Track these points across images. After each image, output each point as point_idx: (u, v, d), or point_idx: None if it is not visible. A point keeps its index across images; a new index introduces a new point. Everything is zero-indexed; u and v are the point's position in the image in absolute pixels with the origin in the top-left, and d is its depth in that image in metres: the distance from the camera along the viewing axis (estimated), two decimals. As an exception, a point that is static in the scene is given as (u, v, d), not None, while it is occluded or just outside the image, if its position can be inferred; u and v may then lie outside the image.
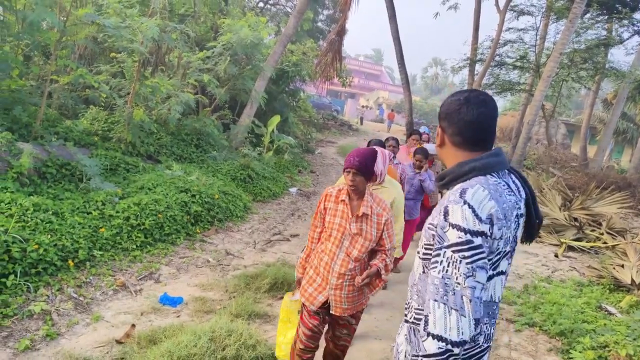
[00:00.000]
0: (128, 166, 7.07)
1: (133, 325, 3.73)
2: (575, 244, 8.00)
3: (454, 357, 1.32)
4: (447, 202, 1.38)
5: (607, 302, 5.26)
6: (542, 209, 9.30)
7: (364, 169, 2.51)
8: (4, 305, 3.59)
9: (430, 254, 1.44)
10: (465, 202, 1.34)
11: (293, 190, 9.85)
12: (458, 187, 1.41)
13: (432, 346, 1.32)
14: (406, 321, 1.61)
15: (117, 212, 5.31)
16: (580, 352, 3.79)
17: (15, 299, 3.70)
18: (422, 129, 6.04)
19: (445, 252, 1.34)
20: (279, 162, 11.36)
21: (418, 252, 1.58)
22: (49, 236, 4.33)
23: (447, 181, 1.52)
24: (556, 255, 7.52)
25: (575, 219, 8.77)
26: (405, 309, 1.64)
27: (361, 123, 33.40)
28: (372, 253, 2.69)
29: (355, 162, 2.50)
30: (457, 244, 1.33)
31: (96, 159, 6.58)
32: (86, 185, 5.85)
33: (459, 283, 1.32)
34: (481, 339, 1.49)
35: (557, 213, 8.98)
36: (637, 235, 8.07)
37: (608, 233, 8.34)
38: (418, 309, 1.54)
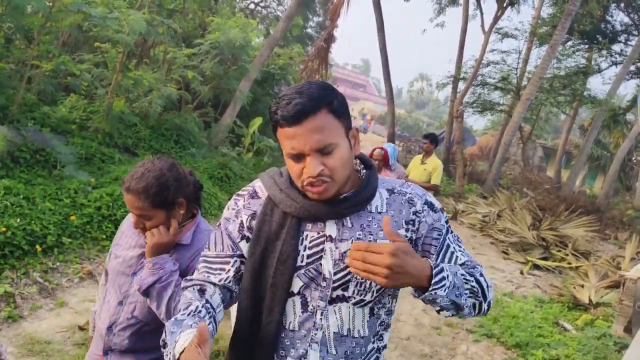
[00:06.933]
0: (104, 157, 7.03)
1: (96, 313, 3.74)
2: (541, 262, 8.21)
3: None
4: (422, 194, 1.30)
5: (564, 319, 5.44)
6: (512, 228, 9.53)
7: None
8: (-34, 285, 3.57)
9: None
10: None
11: (270, 192, 9.89)
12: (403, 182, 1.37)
13: None
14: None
15: (89, 201, 5.29)
16: (532, 363, 3.93)
17: (-23, 280, 3.68)
18: (377, 152, 5.47)
19: (449, 238, 1.29)
20: (258, 163, 11.39)
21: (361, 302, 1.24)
22: (18, 220, 4.31)
23: None
24: (521, 273, 7.71)
25: (543, 239, 9.00)
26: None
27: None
28: None
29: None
30: (448, 223, 1.32)
31: (72, 147, 6.53)
32: (60, 173, 5.81)
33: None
34: None
35: (526, 232, 9.21)
36: (600, 258, 8.33)
37: (573, 254, 8.57)
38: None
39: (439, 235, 1.27)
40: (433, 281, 1.09)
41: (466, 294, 1.17)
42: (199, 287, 1.24)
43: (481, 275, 1.25)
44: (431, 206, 1.28)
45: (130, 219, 1.78)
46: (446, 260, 1.27)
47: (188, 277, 1.30)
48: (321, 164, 1.14)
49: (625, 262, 7.56)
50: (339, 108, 1.17)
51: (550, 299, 6.32)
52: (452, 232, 1.31)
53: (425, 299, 1.13)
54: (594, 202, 15.18)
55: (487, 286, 1.24)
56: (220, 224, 1.34)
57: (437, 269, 1.12)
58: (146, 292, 1.58)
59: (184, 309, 1.17)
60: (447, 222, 1.30)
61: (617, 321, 4.96)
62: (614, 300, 5.71)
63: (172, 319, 1.14)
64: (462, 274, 1.19)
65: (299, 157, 1.15)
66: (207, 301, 1.20)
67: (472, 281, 1.20)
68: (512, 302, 5.90)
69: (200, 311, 1.15)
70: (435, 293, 1.10)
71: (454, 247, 1.29)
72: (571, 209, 10.78)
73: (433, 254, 1.27)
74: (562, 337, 4.70)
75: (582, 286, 6.51)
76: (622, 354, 4.20)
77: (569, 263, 8.13)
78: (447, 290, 1.12)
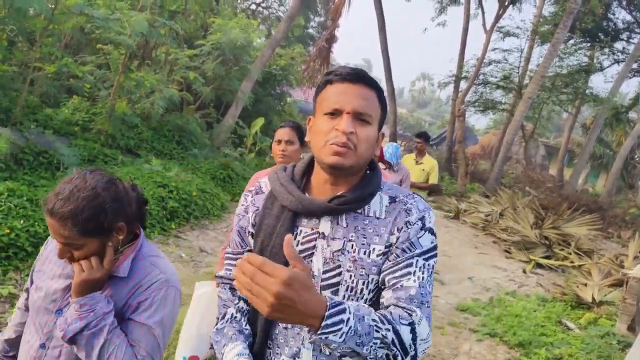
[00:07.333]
0: (106, 158, 7.06)
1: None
2: (543, 261, 8.20)
3: None
4: (424, 210, 1.23)
5: (567, 317, 5.43)
6: (514, 227, 9.52)
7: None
8: (-29, 287, 3.58)
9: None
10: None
11: (272, 192, 9.90)
12: (410, 193, 1.31)
13: None
14: None
15: (93, 202, 5.30)
16: (535, 362, 3.93)
17: (-18, 282, 3.70)
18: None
19: (417, 260, 1.17)
20: (260, 164, 11.40)
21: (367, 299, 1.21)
22: (22, 222, 4.33)
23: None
24: (524, 272, 7.70)
25: (546, 238, 8.99)
26: None
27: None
28: None
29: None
30: (430, 250, 1.22)
31: (75, 148, 6.56)
32: (63, 174, 5.83)
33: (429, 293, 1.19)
34: None
35: (529, 231, 9.20)
36: (603, 256, 8.32)
37: (576, 253, 8.57)
38: None
39: (409, 249, 1.18)
40: (324, 323, 0.94)
41: (374, 343, 1.01)
42: (229, 285, 1.33)
43: (411, 324, 1.07)
44: (424, 224, 1.21)
45: (55, 242, 1.39)
46: (396, 275, 1.16)
47: (218, 274, 1.36)
48: (353, 128, 1.16)
49: (629, 260, 7.55)
50: (383, 102, 1.26)
51: (553, 297, 6.31)
52: (428, 260, 1.19)
53: (316, 342, 1.01)
54: (597, 201, 15.15)
55: (414, 339, 1.06)
56: (234, 221, 1.39)
57: (334, 310, 0.96)
58: (72, 340, 1.28)
59: (221, 318, 1.30)
60: (433, 248, 1.21)
61: (621, 320, 4.97)
62: (617, 298, 5.70)
63: (214, 329, 1.28)
64: (374, 320, 1.02)
65: (336, 114, 1.18)
66: (239, 298, 1.31)
67: (388, 330, 1.03)
68: (514, 301, 5.90)
69: (235, 317, 1.28)
70: (326, 338, 0.95)
71: (414, 270, 1.16)
72: (574, 207, 10.76)
73: (390, 262, 1.18)
74: (565, 336, 4.70)
75: (585, 285, 6.51)
76: (625, 353, 4.20)
77: (572, 262, 8.13)
78: (344, 336, 0.96)
